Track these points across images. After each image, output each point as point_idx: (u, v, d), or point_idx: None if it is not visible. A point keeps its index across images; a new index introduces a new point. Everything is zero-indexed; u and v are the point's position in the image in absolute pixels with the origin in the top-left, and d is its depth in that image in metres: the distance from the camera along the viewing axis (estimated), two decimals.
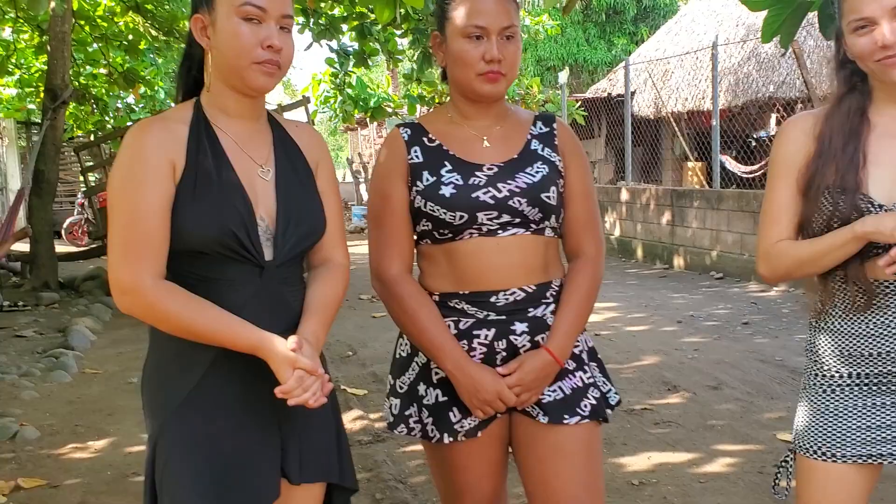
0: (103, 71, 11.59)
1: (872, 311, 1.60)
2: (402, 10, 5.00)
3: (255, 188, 1.54)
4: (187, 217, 1.47)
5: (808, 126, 1.67)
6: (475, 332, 1.76)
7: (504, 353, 1.77)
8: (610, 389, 1.90)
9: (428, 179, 1.76)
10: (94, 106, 11.71)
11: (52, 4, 6.67)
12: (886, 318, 1.60)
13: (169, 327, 1.48)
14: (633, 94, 13.57)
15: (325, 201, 1.64)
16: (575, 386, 1.81)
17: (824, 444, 1.65)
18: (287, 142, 1.63)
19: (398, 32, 8.46)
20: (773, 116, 12.64)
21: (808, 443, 1.67)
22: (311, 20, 7.90)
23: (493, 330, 1.76)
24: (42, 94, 11.81)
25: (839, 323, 1.65)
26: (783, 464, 1.76)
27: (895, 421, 1.61)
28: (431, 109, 15.65)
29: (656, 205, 10.23)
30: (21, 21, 10.61)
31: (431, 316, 1.75)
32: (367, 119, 15.25)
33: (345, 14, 8.13)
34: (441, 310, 1.77)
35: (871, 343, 1.62)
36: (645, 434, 3.88)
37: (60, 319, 7.38)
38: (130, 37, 10.63)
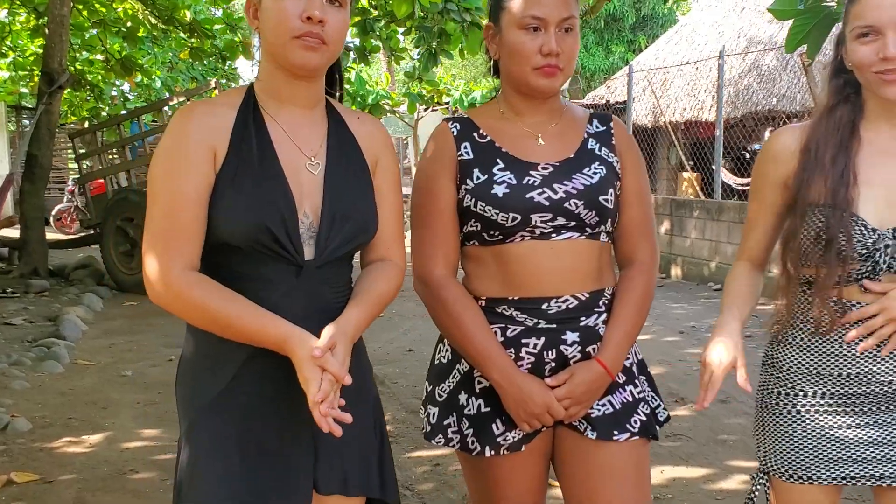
0: (100, 57, 11.44)
1: (841, 333, 1.56)
2: (419, 5, 4.93)
3: (300, 182, 1.44)
4: (223, 208, 1.38)
5: (793, 141, 1.63)
6: (524, 341, 1.67)
7: (553, 364, 1.68)
8: (659, 405, 1.82)
9: (479, 177, 1.67)
10: (90, 92, 11.53)
11: None
12: (850, 343, 1.56)
13: (196, 319, 1.40)
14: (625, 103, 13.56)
15: (382, 201, 1.55)
16: (625, 400, 1.73)
17: (800, 468, 1.61)
18: (343, 134, 1.53)
19: (401, 30, 8.38)
20: (768, 130, 12.66)
21: (783, 466, 1.63)
22: None
23: (542, 339, 1.66)
24: (36, 78, 11.65)
25: (808, 340, 1.60)
26: (758, 486, 1.70)
27: (864, 441, 1.58)
28: (430, 109, 15.62)
29: (655, 214, 10.15)
30: (17, 3, 10.46)
31: (478, 322, 1.66)
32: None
33: None
34: (487, 315, 1.68)
35: (842, 363, 1.57)
36: (656, 447, 3.79)
37: (51, 308, 7.24)
38: (129, 24, 10.47)
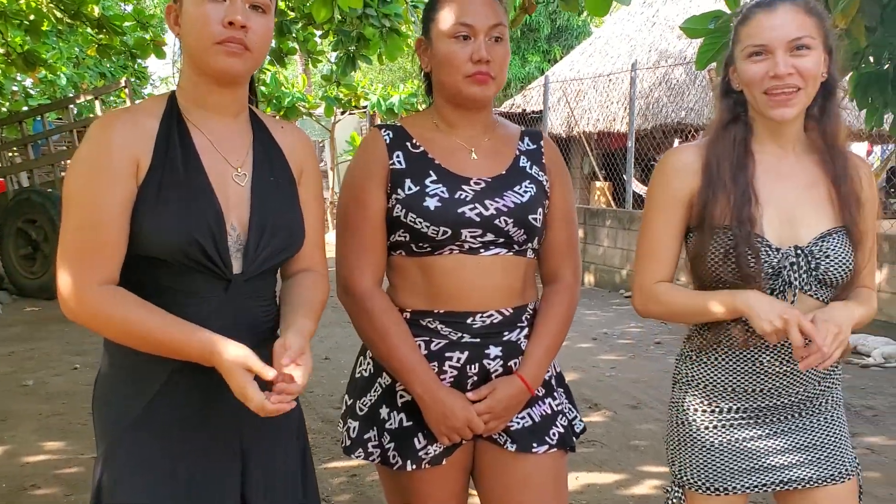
0: (0, 51, 10.91)
1: (757, 350, 1.62)
2: (338, 9, 4.89)
3: (227, 193, 1.40)
4: (149, 221, 1.33)
5: (691, 159, 1.66)
6: (447, 354, 1.67)
7: (475, 378, 1.68)
8: (576, 416, 1.85)
9: (411, 188, 1.65)
10: None
11: None
12: (761, 358, 1.62)
13: (117, 335, 1.35)
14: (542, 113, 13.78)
15: (307, 211, 1.52)
16: (544, 413, 1.75)
17: (717, 480, 1.66)
18: (269, 143, 1.50)
19: (318, 33, 8.30)
20: (676, 141, 13.09)
21: (699, 479, 1.68)
22: None
23: (466, 353, 1.67)
24: None
25: (723, 359, 1.66)
26: (673, 499, 1.75)
27: (773, 450, 1.65)
28: (347, 113, 15.49)
29: None
30: None
31: (402, 335, 1.65)
32: (279, 117, 14.99)
33: None
34: (412, 328, 1.67)
35: (755, 380, 1.64)
36: (571, 454, 3.86)
37: None
38: (32, 17, 10.03)
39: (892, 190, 12.83)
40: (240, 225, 1.40)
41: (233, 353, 1.29)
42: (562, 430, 1.76)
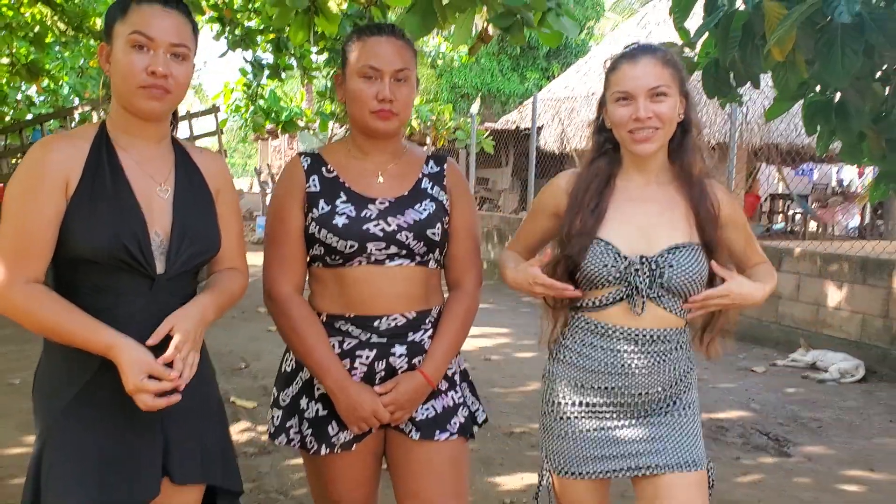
0: (5, 61, 11.20)
1: (603, 352, 1.85)
2: (317, 30, 5.13)
3: (151, 205, 1.63)
4: (82, 228, 1.56)
5: (567, 183, 1.94)
6: (357, 353, 1.89)
7: (383, 373, 1.91)
8: (479, 408, 2.07)
9: (323, 208, 1.88)
10: None
11: None
12: (614, 359, 1.85)
13: (33, 327, 1.55)
14: (540, 128, 14.03)
15: (226, 224, 1.76)
16: (446, 405, 1.97)
17: (569, 465, 1.89)
18: (189, 165, 1.74)
19: (314, 49, 8.55)
20: None
21: (557, 463, 1.92)
22: (227, 29, 7.88)
23: (374, 351, 1.90)
24: None
25: (574, 357, 1.89)
26: (542, 480, 1.99)
27: (621, 441, 1.87)
28: (344, 126, 15.74)
29: None
30: None
31: (319, 336, 1.88)
32: (279, 130, 15.22)
33: (261, 26, 8.12)
34: (327, 329, 1.90)
35: (600, 379, 1.86)
36: (522, 456, 4.09)
37: None
38: (37, 29, 10.33)
39: (878, 213, 13.07)
40: (163, 232, 1.63)
41: (129, 355, 1.51)
42: (462, 420, 1.99)
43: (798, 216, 13.69)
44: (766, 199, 14.28)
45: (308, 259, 1.95)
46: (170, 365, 1.54)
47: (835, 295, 6.55)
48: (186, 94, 1.68)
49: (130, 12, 1.59)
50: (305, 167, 1.95)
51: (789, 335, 6.87)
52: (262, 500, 3.43)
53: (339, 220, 1.86)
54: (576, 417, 1.89)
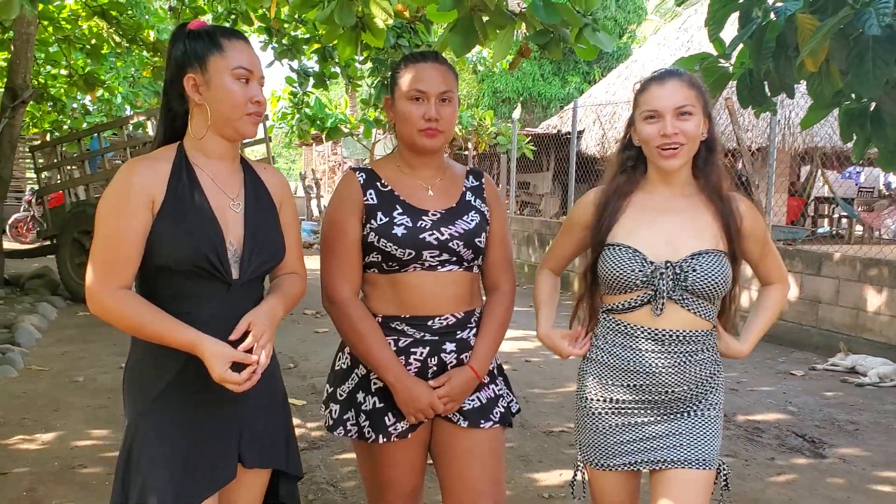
0: (64, 72, 11.67)
1: (630, 352, 2.00)
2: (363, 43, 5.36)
3: (226, 218, 1.83)
4: (167, 240, 1.76)
5: (591, 198, 2.12)
6: (412, 350, 2.08)
7: (435, 368, 2.09)
8: (512, 400, 2.25)
9: (381, 219, 2.07)
10: (52, 105, 11.75)
11: (23, 8, 6.82)
12: (640, 359, 1.99)
13: (123, 327, 1.74)
14: (581, 133, 14.12)
15: (287, 233, 1.96)
16: (489, 396, 2.16)
17: (599, 457, 2.05)
18: (256, 181, 1.94)
19: (359, 58, 8.79)
20: None
21: (588, 456, 2.07)
22: (275, 39, 8.14)
23: (427, 348, 2.08)
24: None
25: (604, 356, 2.04)
26: (576, 472, 2.15)
27: (645, 436, 2.01)
28: (386, 133, 15.98)
29: None
30: None
31: (376, 335, 2.07)
32: (323, 136, 15.56)
33: (307, 35, 8.37)
34: (383, 329, 2.09)
35: (627, 377, 2.01)
36: (559, 453, 4.24)
37: (6, 316, 7.47)
38: (93, 41, 10.74)
39: None
40: (236, 242, 1.83)
41: (212, 349, 1.70)
42: (502, 409, 2.17)
43: (844, 220, 13.56)
44: (811, 202, 14.18)
45: (364, 266, 2.13)
46: (248, 352, 1.74)
47: (874, 299, 6.57)
48: None
49: (228, 49, 1.80)
50: (361, 182, 2.13)
51: (829, 339, 6.91)
52: (313, 490, 3.63)
53: (398, 230, 2.05)
54: (604, 413, 2.04)
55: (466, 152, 16.27)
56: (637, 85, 2.04)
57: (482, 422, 2.12)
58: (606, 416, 2.04)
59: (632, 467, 2.03)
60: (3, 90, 9.60)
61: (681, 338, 1.98)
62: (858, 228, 13.10)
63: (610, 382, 2.03)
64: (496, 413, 2.15)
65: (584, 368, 2.11)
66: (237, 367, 1.73)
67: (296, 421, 4.77)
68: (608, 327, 2.04)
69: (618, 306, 2.02)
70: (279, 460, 1.95)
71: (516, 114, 14.18)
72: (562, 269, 2.24)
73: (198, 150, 1.86)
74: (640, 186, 2.06)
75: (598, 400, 2.05)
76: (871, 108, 3.57)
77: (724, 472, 2.08)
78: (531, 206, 16.72)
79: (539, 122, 19.39)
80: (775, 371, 6.43)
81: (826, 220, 14.30)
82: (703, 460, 1.99)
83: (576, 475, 2.16)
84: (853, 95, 3.56)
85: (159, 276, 1.79)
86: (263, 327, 1.78)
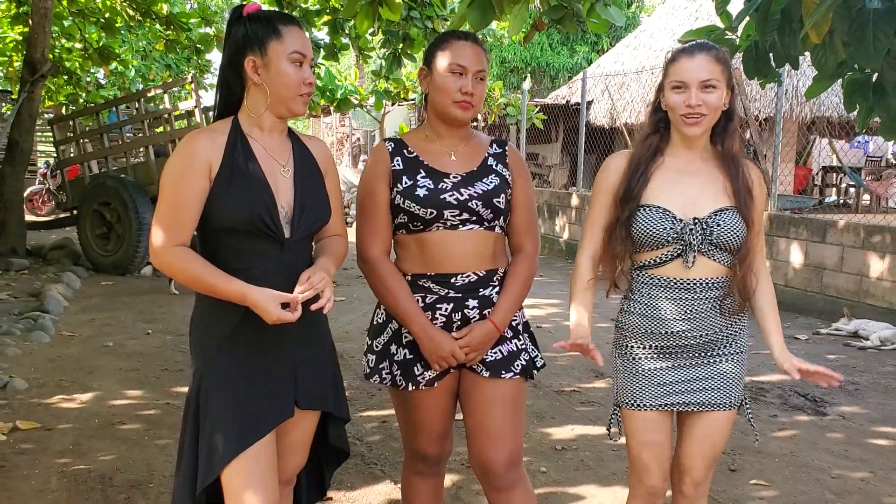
0: (78, 46, 11.81)
1: (667, 301, 2.19)
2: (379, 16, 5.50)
3: (277, 183, 2.02)
4: (225, 203, 1.95)
5: (621, 161, 2.27)
6: (438, 306, 2.27)
7: (459, 322, 2.28)
8: (538, 355, 2.43)
9: (406, 182, 2.26)
10: (68, 79, 11.90)
11: None
12: (676, 307, 2.18)
13: (182, 279, 1.95)
14: (590, 103, 14.20)
15: (331, 198, 2.15)
16: (511, 350, 2.34)
17: (636, 398, 2.23)
18: (303, 150, 2.13)
19: (370, 30, 8.89)
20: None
21: (625, 398, 2.25)
22: (285, 11, 8.24)
23: (451, 304, 2.27)
24: (15, 64, 11.99)
25: (642, 308, 2.22)
26: (613, 416, 2.34)
27: (679, 379, 2.21)
28: (396, 104, 16.05)
29: None
30: None
31: (404, 291, 2.26)
32: (332, 108, 15.67)
33: (318, 7, 8.46)
34: (411, 287, 2.28)
35: (665, 325, 2.20)
36: (571, 410, 4.46)
37: (32, 285, 7.71)
38: (107, 15, 10.87)
39: None
40: (287, 205, 2.02)
41: (260, 294, 1.89)
42: (524, 363, 2.35)
43: (851, 189, 13.66)
44: (818, 171, 14.27)
45: (393, 228, 2.32)
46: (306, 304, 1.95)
47: (877, 265, 6.74)
48: None
49: (286, 34, 1.97)
50: (390, 150, 2.32)
51: (833, 305, 7.09)
52: None
53: (421, 192, 2.24)
54: (642, 358, 2.23)
55: (476, 123, 16.38)
56: (669, 54, 2.20)
57: (503, 372, 2.30)
58: (644, 362, 2.22)
59: (666, 408, 2.21)
60: (21, 64, 9.78)
61: (709, 285, 2.17)
62: (867, 197, 13.22)
63: (650, 331, 2.21)
64: (517, 365, 2.33)
65: (621, 321, 2.29)
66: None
67: None
68: (642, 282, 2.22)
69: (650, 262, 2.19)
70: (328, 403, 2.16)
71: (526, 84, 14.30)
72: (600, 249, 2.29)
73: (252, 124, 2.04)
74: (665, 150, 2.24)
75: (637, 347, 2.23)
76: (874, 79, 3.73)
77: (748, 409, 2.31)
78: (540, 178, 16.85)
79: (547, 93, 19.43)
80: None
81: (834, 189, 14.40)
82: (730, 403, 2.22)
83: (614, 417, 2.34)
84: (856, 66, 3.71)
85: (220, 235, 1.98)
86: (321, 276, 1.98)
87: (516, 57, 22.22)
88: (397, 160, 2.30)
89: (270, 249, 2.00)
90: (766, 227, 7.93)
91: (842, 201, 13.79)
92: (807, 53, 3.62)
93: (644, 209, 2.18)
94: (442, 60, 2.26)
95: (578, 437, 4.03)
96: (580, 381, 5.03)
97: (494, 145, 2.40)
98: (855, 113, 3.96)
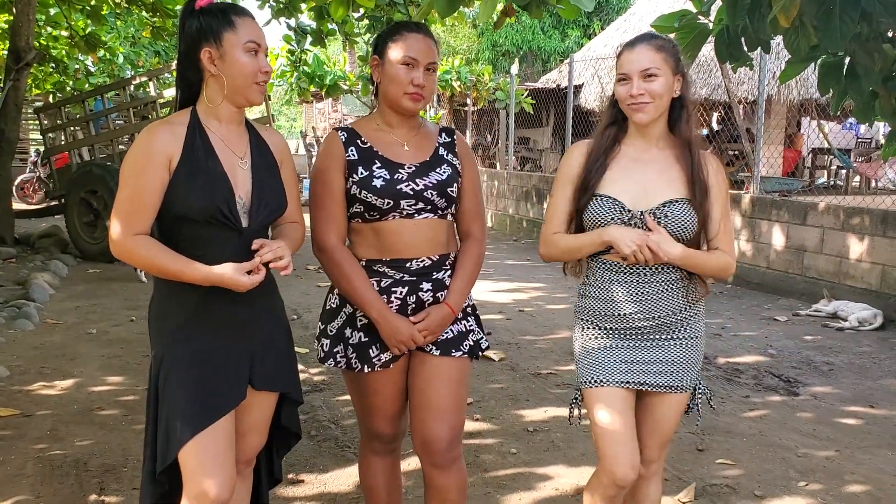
0: (65, 33, 11.77)
1: (619, 286, 2.24)
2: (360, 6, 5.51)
3: (235, 174, 2.06)
4: (184, 193, 1.99)
5: (581, 150, 2.32)
6: (393, 289, 2.31)
7: (414, 306, 2.33)
8: (482, 338, 2.49)
9: (362, 173, 2.29)
10: (55, 67, 11.88)
11: None
12: (628, 290, 2.23)
13: (145, 267, 2.00)
14: (580, 87, 14.21)
15: (287, 188, 2.19)
16: (460, 330, 2.40)
17: (594, 376, 2.27)
18: (260, 142, 2.17)
19: (356, 15, 8.89)
20: (715, 115, 13.43)
21: (585, 377, 2.29)
22: None
23: (406, 287, 2.31)
24: (2, 53, 11.96)
25: (597, 292, 2.29)
26: (574, 400, 2.40)
27: (636, 360, 2.25)
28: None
29: None
30: None
31: (361, 277, 2.30)
32: (323, 94, 15.65)
33: None
34: (367, 272, 2.32)
35: (617, 307, 2.25)
36: (546, 393, 4.52)
37: (19, 273, 7.74)
38: (93, 2, 10.83)
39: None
40: (245, 195, 2.07)
41: (225, 268, 1.96)
42: (472, 343, 2.42)
43: (842, 171, 13.70)
44: (808, 154, 14.30)
45: (348, 216, 2.35)
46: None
47: (857, 247, 6.79)
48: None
49: (240, 26, 2.01)
50: (343, 139, 2.35)
51: (813, 286, 7.15)
52: (315, 427, 3.91)
53: (377, 182, 2.27)
54: (599, 338, 2.29)
55: (465, 108, 16.37)
56: (618, 49, 2.25)
57: (452, 351, 2.37)
58: (601, 341, 2.28)
59: (625, 385, 2.25)
60: (6, 53, 9.76)
61: (657, 269, 2.22)
62: (857, 179, 13.26)
63: (604, 313, 2.26)
64: (465, 345, 2.39)
65: (579, 306, 2.35)
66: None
67: (300, 367, 5.03)
68: (596, 267, 2.28)
69: (606, 248, 2.23)
70: (285, 385, 2.21)
71: (514, 68, 14.27)
72: (565, 229, 2.33)
73: (210, 114, 2.08)
74: (623, 140, 2.28)
75: (594, 329, 2.29)
76: (847, 62, 3.76)
77: (702, 392, 2.37)
78: (532, 162, 16.87)
79: (539, 77, 19.42)
80: (759, 317, 6.68)
81: (824, 171, 14.43)
82: (682, 386, 2.28)
83: (574, 402, 2.39)
84: (828, 50, 3.74)
85: (178, 224, 2.03)
86: (278, 243, 2.05)
87: (507, 41, 22.20)
88: (351, 150, 2.33)
89: (228, 238, 2.04)
90: (747, 210, 7.98)
91: (832, 183, 13.83)
92: (779, 37, 3.66)
93: (596, 199, 2.23)
94: (394, 52, 2.28)
95: (551, 419, 4.09)
96: (557, 364, 5.08)
97: (444, 134, 2.45)
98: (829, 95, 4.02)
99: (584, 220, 2.25)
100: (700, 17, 3.71)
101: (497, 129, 16.90)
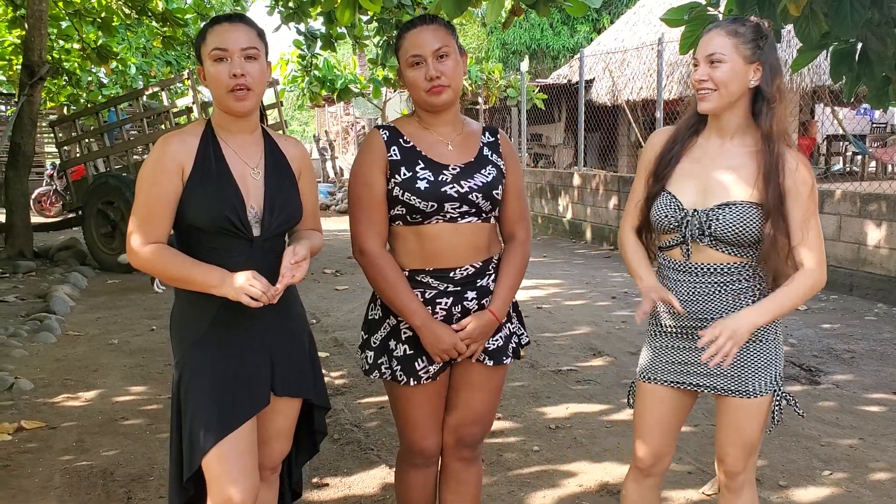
0: (77, 46, 11.88)
1: (673, 282, 2.19)
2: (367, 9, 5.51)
3: (247, 184, 2.08)
4: (195, 203, 2.02)
5: (664, 137, 2.24)
6: (437, 300, 2.27)
7: (459, 315, 2.28)
8: (523, 333, 2.47)
9: (405, 174, 2.20)
10: (68, 80, 11.99)
11: None
12: (681, 288, 2.17)
13: (161, 276, 2.03)
14: (591, 82, 14.17)
15: (307, 198, 2.20)
16: (506, 335, 2.37)
17: (647, 371, 2.26)
18: (276, 151, 2.17)
19: (364, 18, 8.91)
20: None
21: (642, 371, 2.28)
22: (280, 3, 8.26)
23: (451, 298, 2.27)
24: (14, 68, 12.10)
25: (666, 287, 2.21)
26: (631, 387, 2.37)
27: (694, 360, 2.18)
28: (397, 91, 16.07)
29: (605, 190, 10.86)
30: None
31: (403, 284, 2.25)
32: (335, 97, 15.71)
33: None
34: (410, 283, 2.26)
35: (684, 306, 2.18)
36: (567, 389, 4.51)
37: (39, 286, 7.82)
38: (103, 14, 10.93)
39: None
40: (257, 205, 2.08)
41: (238, 279, 1.96)
42: (514, 345, 2.40)
43: (858, 157, 13.59)
44: (823, 140, 14.20)
45: (389, 219, 2.29)
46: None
47: (874, 234, 6.74)
48: (265, 89, 2.11)
49: (208, 35, 2.03)
50: (385, 138, 2.26)
51: (832, 275, 7.09)
52: (338, 430, 3.93)
53: (421, 184, 2.19)
54: (663, 335, 2.25)
55: (477, 107, 16.36)
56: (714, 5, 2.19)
57: (504, 359, 2.35)
58: (662, 338, 2.24)
59: (676, 385, 2.21)
60: (20, 67, 9.86)
61: (711, 270, 2.13)
62: (873, 164, 13.14)
63: (661, 309, 2.23)
64: (511, 349, 2.38)
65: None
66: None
67: None
68: (661, 262, 2.24)
69: (665, 244, 2.20)
70: (308, 391, 2.22)
71: (524, 65, 14.27)
72: (640, 222, 2.27)
73: (220, 126, 2.10)
74: (699, 133, 2.20)
75: (660, 324, 2.25)
76: (859, 48, 3.74)
77: (779, 398, 2.17)
78: (545, 158, 16.83)
79: (549, 74, 19.37)
80: None
81: (840, 157, 14.32)
82: (751, 391, 2.13)
83: (632, 389, 2.36)
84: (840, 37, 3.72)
85: (193, 233, 2.05)
86: (303, 252, 2.07)
87: (517, 39, 22.15)
88: (394, 150, 2.26)
89: (240, 247, 2.06)
90: None
91: (847, 169, 13.71)
92: (790, 26, 3.64)
93: (663, 195, 2.17)
94: (402, 56, 2.24)
95: (573, 416, 4.08)
96: (577, 361, 5.07)
97: (487, 133, 2.39)
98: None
99: (650, 213, 2.20)
100: (710, 8, 3.71)
101: (509, 127, 16.89)
